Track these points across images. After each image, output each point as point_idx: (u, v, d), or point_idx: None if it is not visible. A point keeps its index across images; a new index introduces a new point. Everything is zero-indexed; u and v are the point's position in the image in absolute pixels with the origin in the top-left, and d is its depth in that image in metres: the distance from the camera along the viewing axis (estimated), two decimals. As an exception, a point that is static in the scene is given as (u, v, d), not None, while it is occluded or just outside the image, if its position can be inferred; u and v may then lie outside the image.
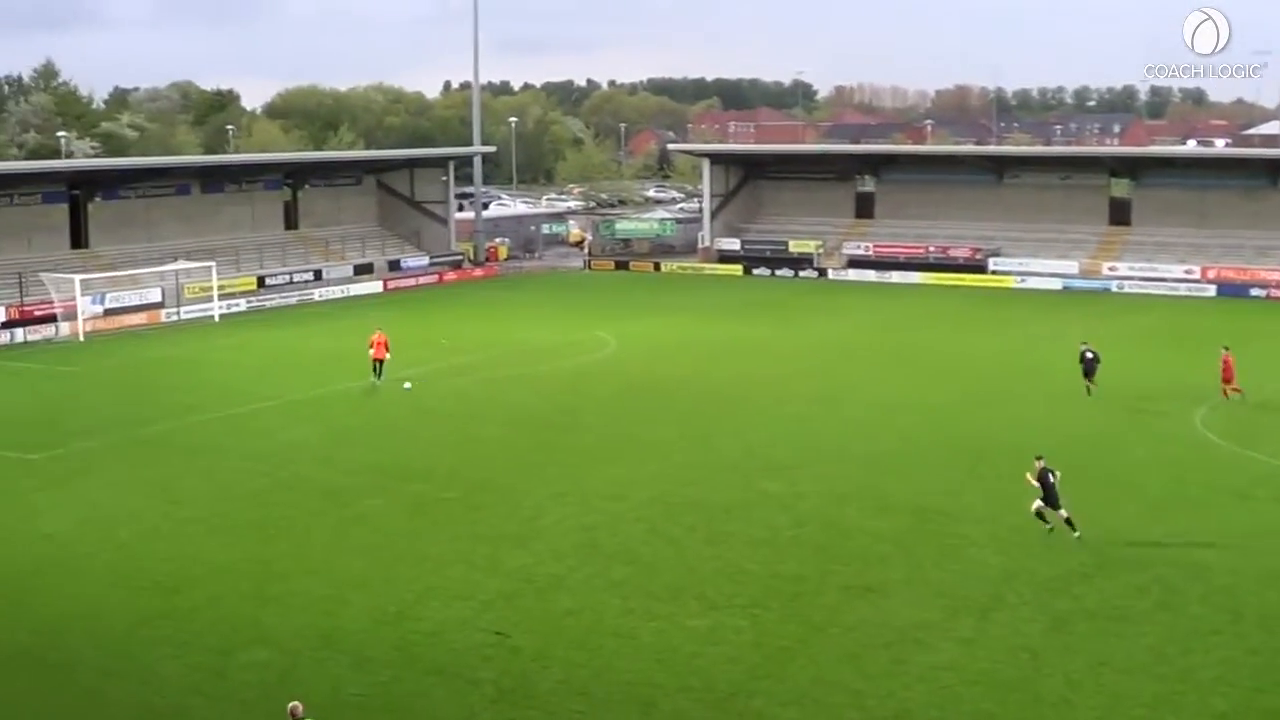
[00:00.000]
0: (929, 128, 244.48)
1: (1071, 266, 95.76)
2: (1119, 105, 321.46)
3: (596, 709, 26.46)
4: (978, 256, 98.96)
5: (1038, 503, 36.19)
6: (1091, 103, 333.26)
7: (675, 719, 26.09)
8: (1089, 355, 55.37)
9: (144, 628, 30.32)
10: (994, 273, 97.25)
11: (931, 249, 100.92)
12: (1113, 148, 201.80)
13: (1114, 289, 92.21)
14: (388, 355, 58.57)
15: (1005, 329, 75.36)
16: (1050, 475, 36.18)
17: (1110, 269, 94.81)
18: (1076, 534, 35.78)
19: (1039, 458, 36.67)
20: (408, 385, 57.48)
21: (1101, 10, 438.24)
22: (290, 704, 22.99)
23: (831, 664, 28.01)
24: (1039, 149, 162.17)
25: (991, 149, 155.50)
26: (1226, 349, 54.13)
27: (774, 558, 34.63)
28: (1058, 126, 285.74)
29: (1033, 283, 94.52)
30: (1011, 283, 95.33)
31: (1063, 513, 36.01)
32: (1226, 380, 53.20)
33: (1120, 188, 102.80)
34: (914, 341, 70.75)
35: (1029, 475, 36.50)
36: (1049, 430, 48.76)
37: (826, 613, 30.73)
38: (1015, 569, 33.52)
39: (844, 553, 35.00)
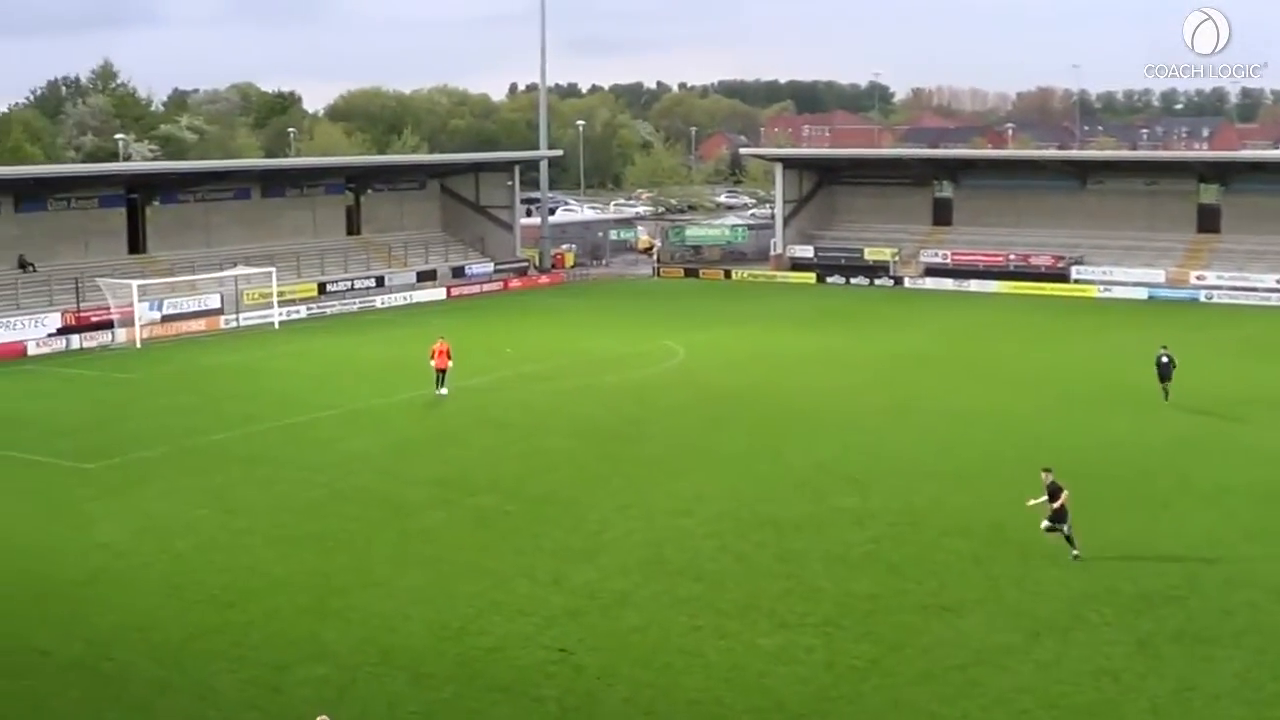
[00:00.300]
0: (1010, 131, 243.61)
1: (1157, 275, 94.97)
2: (1208, 108, 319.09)
3: (662, 729, 26.45)
4: (1060, 265, 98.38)
5: (1045, 522, 35.69)
6: (1179, 105, 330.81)
7: (743, 741, 26.06)
8: (1164, 360, 55.52)
9: (199, 641, 30.48)
10: (1076, 282, 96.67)
11: (1012, 257, 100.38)
12: (1201, 152, 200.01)
13: (1202, 299, 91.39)
14: (450, 364, 58.56)
15: (1088, 340, 74.78)
16: (1059, 489, 35.60)
17: (1198, 278, 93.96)
18: (1072, 541, 35.47)
19: (1047, 470, 36.28)
20: (443, 391, 57.80)
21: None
22: (318, 718, 23.29)
23: (905, 685, 27.84)
24: (1124, 153, 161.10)
25: (1074, 153, 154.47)
26: None
27: (846, 575, 34.50)
28: (1144, 130, 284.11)
29: (1117, 292, 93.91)
30: (1095, 292, 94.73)
31: (1048, 525, 35.48)
32: None
33: (1209, 193, 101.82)
34: (993, 352, 70.38)
35: (1045, 496, 35.82)
36: (1135, 444, 48.55)
37: (901, 632, 30.57)
38: (1097, 589, 33.22)
39: (919, 570, 34.82)
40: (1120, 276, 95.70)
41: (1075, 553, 35.29)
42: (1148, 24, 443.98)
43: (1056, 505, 35.38)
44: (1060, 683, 27.82)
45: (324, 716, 23.64)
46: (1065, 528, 35.46)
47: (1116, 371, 62.48)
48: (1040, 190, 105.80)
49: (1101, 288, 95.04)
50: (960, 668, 28.60)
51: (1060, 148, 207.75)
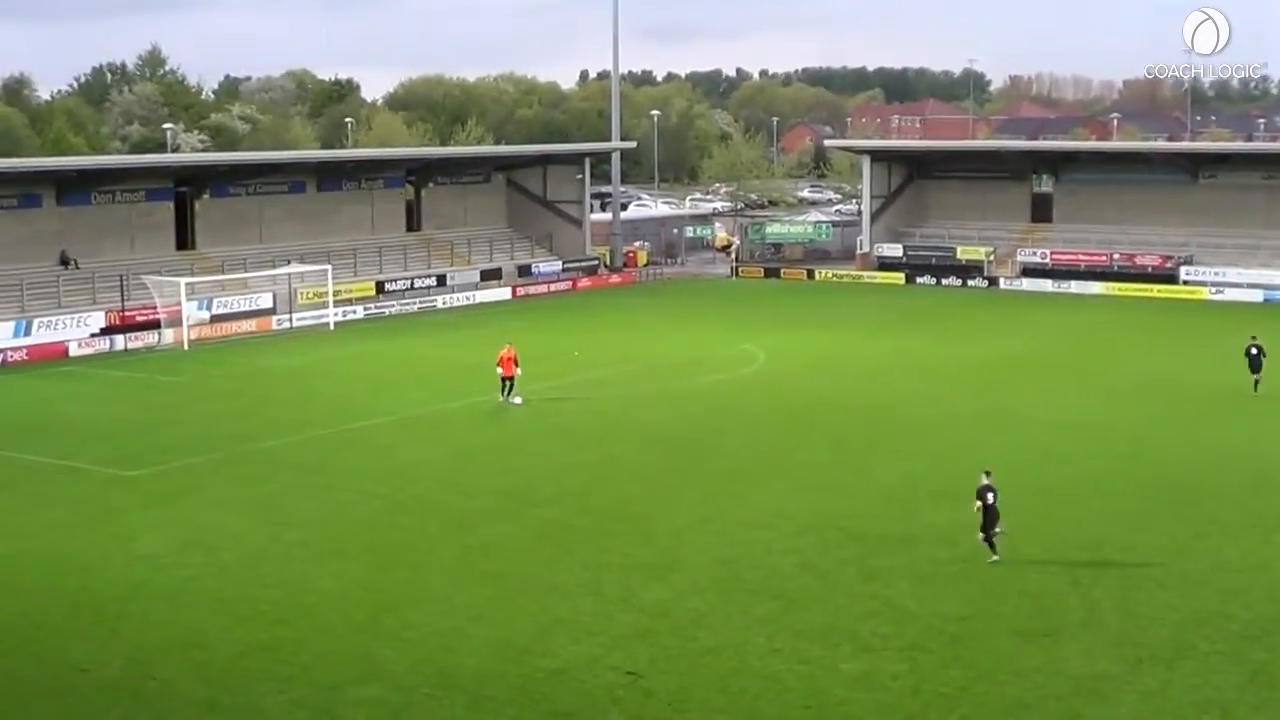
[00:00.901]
0: (1115, 122, 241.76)
1: (1274, 277, 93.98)
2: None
3: (736, 759, 26.39)
4: (1168, 265, 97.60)
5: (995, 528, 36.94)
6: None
7: (823, 772, 25.97)
8: (1254, 350, 57.78)
9: (247, 659, 30.66)
10: (1186, 283, 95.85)
11: (1116, 256, 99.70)
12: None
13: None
14: (518, 371, 58.52)
15: (1197, 346, 74.12)
16: (990, 494, 36.54)
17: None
18: (994, 558, 36.59)
19: (986, 473, 37.10)
20: (517, 400, 57.90)
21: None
22: None
23: (997, 716, 27.63)
24: (1239, 145, 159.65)
25: (1185, 145, 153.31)
26: None
27: (935, 596, 34.32)
28: (1261, 120, 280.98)
29: (1230, 294, 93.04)
30: (1205, 294, 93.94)
31: (998, 529, 36.63)
32: None
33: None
34: (1094, 359, 69.88)
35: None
36: (1247, 457, 48.15)
37: (993, 658, 30.37)
38: (1206, 614, 32.90)
39: (1013, 592, 34.59)
40: (1234, 278, 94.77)
41: (994, 558, 36.61)
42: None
43: (986, 505, 36.49)
44: (1165, 715, 27.56)
45: None
46: (992, 531, 36.53)
47: (1227, 380, 61.67)
48: (1147, 185, 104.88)
49: (1213, 290, 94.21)
50: (1057, 697, 28.37)
51: (1170, 139, 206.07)
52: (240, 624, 32.83)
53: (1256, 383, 57.39)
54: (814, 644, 31.17)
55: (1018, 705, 28.03)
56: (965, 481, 44.60)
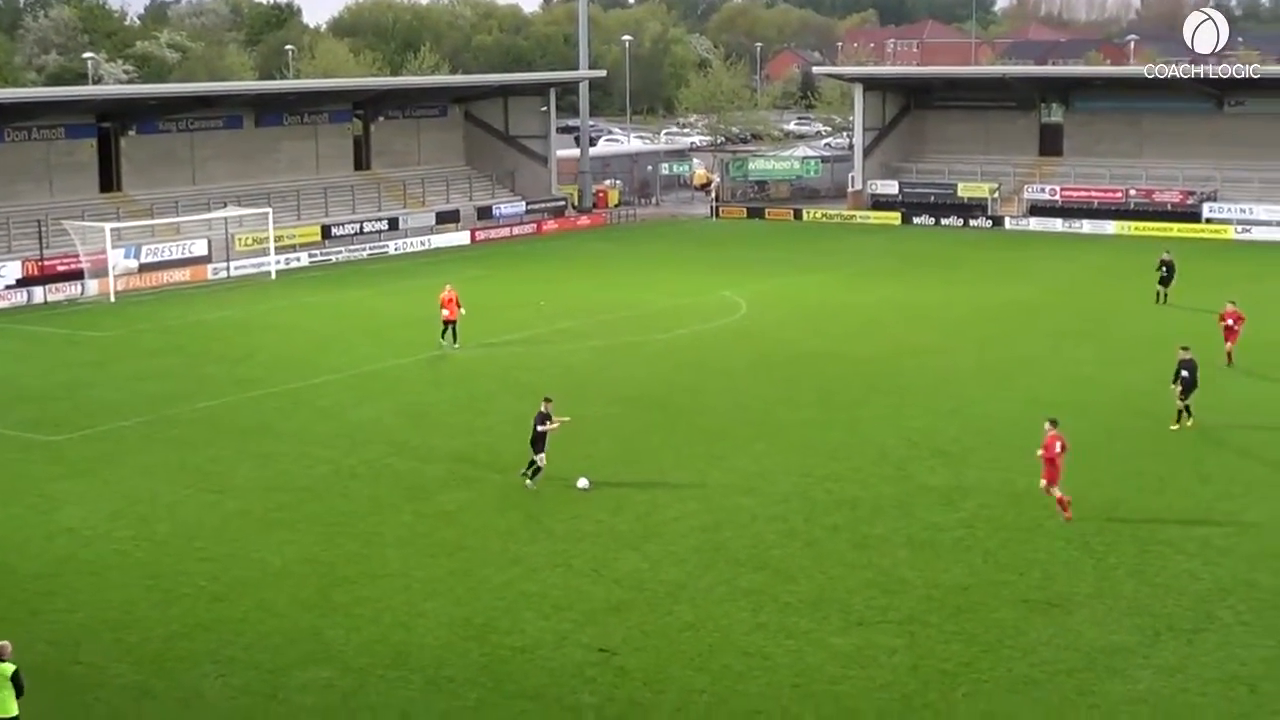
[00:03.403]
0: (1132, 45, 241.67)
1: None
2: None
3: (719, 743, 26.55)
4: (1190, 202, 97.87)
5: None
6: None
7: (813, 756, 26.14)
8: (1167, 261, 67.76)
9: (183, 640, 30.70)
10: (1209, 221, 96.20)
11: (1132, 193, 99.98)
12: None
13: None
14: (462, 311, 59.16)
15: (1223, 290, 74.14)
16: (543, 419, 40.65)
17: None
18: (526, 476, 40.84)
19: (546, 400, 41.28)
20: (455, 346, 59.00)
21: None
22: None
23: (1002, 693, 27.85)
24: (1271, 69, 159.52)
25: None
26: None
27: (934, 564, 34.51)
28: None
29: (1258, 233, 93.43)
30: (1230, 233, 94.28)
31: (538, 459, 40.61)
32: None
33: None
34: (1109, 306, 70.13)
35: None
36: None
37: (998, 631, 30.56)
38: (1230, 582, 33.11)
39: (1020, 559, 34.80)
40: (1262, 215, 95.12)
41: (528, 484, 40.69)
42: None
43: (539, 430, 40.56)
44: (1185, 692, 27.78)
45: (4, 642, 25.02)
46: (538, 458, 40.57)
47: (1257, 329, 61.97)
48: (1168, 114, 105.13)
49: (1239, 228, 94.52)
50: (1067, 673, 28.58)
51: (1193, 63, 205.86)
52: (175, 602, 32.86)
53: (1160, 295, 68.36)
54: (802, 617, 31.34)
55: (1025, 681, 28.25)
56: (967, 440, 45.10)
